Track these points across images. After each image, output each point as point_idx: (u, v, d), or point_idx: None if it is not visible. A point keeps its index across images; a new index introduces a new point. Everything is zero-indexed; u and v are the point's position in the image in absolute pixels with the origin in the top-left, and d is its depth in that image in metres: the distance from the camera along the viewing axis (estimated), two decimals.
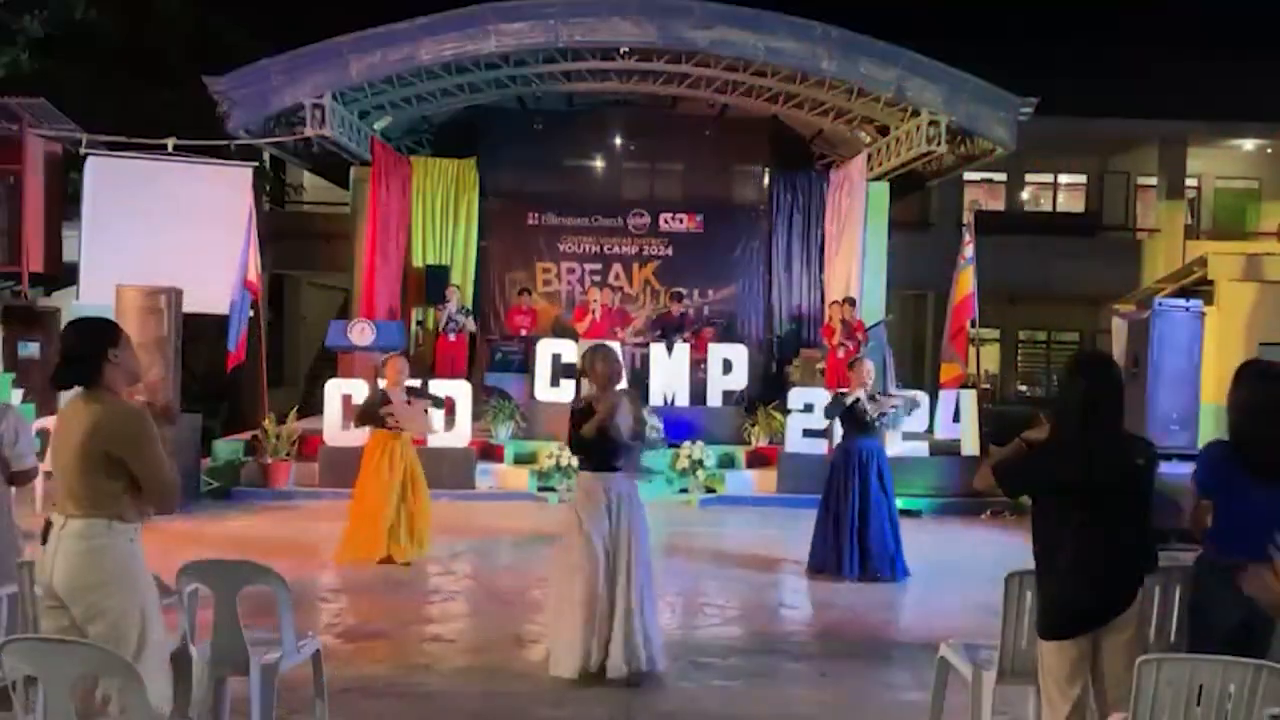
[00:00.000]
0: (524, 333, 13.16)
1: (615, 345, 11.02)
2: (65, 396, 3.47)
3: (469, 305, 13.66)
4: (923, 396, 9.37)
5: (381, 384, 8.04)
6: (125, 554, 3.34)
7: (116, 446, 3.30)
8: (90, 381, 3.34)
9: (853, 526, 7.47)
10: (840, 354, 11.95)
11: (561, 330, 13.33)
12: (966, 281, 11.90)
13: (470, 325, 13.17)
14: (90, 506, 3.28)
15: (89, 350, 3.37)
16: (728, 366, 11.77)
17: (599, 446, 5.23)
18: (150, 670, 3.23)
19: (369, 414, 7.69)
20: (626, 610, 5.10)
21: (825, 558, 7.57)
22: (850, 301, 12.57)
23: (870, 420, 7.61)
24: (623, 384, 5.51)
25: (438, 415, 9.03)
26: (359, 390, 10.38)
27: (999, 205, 21.77)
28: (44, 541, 3.29)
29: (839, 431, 8.27)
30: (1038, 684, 3.96)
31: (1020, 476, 3.59)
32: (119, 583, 3.31)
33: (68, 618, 3.28)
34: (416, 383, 8.23)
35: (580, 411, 5.28)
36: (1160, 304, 10.40)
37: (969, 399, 10.93)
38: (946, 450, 10.80)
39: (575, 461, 8.75)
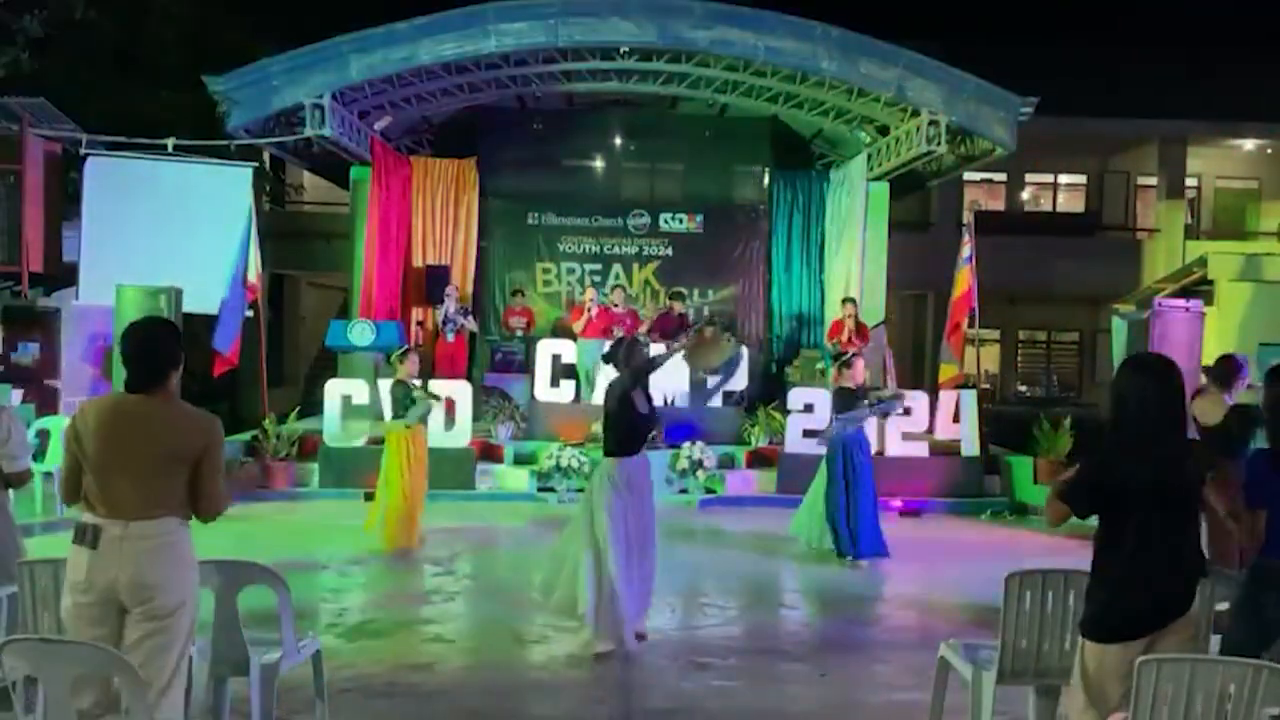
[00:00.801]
0: (520, 333, 13.18)
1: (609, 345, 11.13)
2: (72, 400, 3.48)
3: (468, 305, 13.66)
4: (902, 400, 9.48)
5: (384, 384, 8.21)
6: (190, 550, 3.40)
7: (201, 448, 3.35)
8: (161, 385, 3.37)
9: (856, 510, 7.89)
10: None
11: (561, 330, 13.35)
12: (964, 280, 11.92)
13: (470, 325, 13.16)
14: (163, 507, 3.30)
15: (169, 352, 3.41)
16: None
17: (619, 433, 5.70)
18: (181, 674, 3.28)
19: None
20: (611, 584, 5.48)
21: (848, 539, 7.92)
22: (851, 301, 12.58)
23: (870, 406, 8.10)
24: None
25: (438, 411, 9.35)
26: (359, 390, 10.43)
27: (999, 205, 21.77)
28: (93, 546, 3.25)
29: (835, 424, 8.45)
30: (1037, 684, 3.98)
31: (1088, 490, 3.40)
32: (190, 580, 3.37)
33: (106, 628, 3.25)
34: (417, 382, 8.38)
35: (621, 404, 5.71)
36: (1160, 304, 10.40)
37: (969, 399, 10.93)
38: (946, 450, 10.79)
39: (576, 461, 8.99)
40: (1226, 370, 6.44)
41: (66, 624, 3.32)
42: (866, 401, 8.12)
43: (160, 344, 3.43)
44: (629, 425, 5.71)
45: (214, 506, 3.40)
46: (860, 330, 12.16)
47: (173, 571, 3.28)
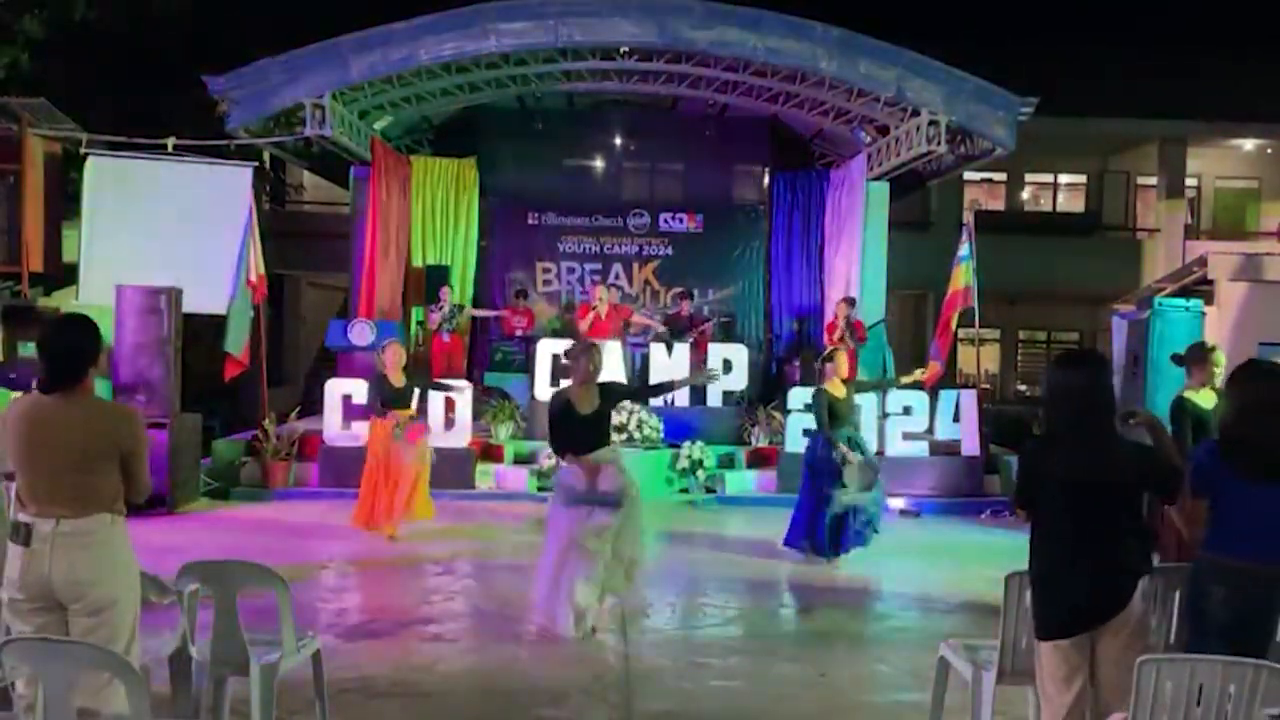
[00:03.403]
0: (520, 333, 13.16)
1: (616, 344, 11.13)
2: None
3: (466, 304, 13.66)
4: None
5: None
6: (126, 547, 3.43)
7: (126, 442, 3.38)
8: (78, 384, 3.37)
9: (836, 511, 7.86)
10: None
11: (565, 329, 13.33)
12: (958, 277, 11.92)
13: (462, 317, 13.13)
14: (92, 504, 3.31)
15: (90, 349, 3.41)
16: (728, 366, 11.75)
17: (569, 434, 5.94)
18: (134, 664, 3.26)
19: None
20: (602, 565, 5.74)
21: (807, 538, 7.95)
22: (850, 301, 12.59)
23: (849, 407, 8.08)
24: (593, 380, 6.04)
25: (436, 410, 9.55)
26: (359, 390, 10.42)
27: (999, 205, 21.78)
28: (26, 543, 3.28)
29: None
30: (1037, 684, 3.98)
31: (1022, 485, 3.55)
32: (125, 575, 3.39)
33: (48, 617, 3.28)
34: (398, 380, 8.46)
35: (560, 411, 5.91)
36: (1160, 304, 10.39)
37: (969, 399, 10.93)
38: (946, 450, 10.79)
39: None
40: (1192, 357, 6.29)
41: (7, 619, 3.36)
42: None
43: (77, 343, 3.42)
44: (569, 428, 5.95)
45: (142, 491, 3.50)
46: (855, 329, 12.13)
47: (105, 567, 3.31)
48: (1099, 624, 3.31)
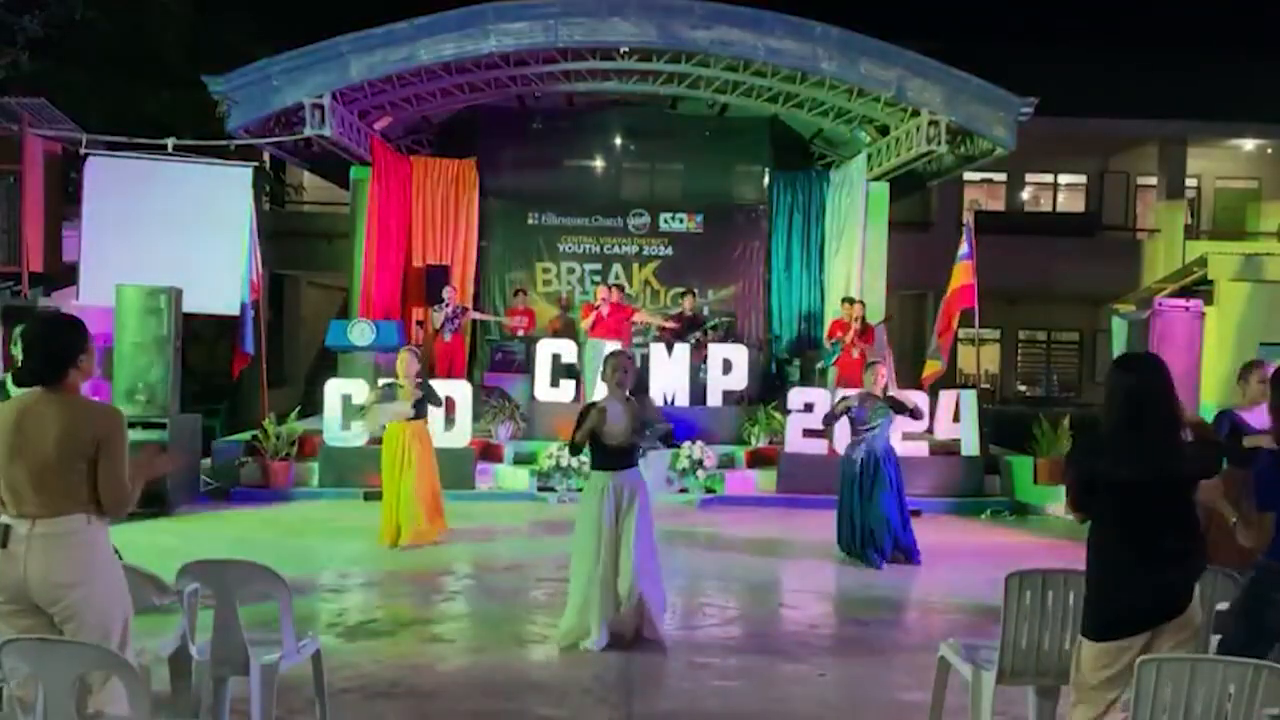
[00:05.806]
0: (520, 333, 13.15)
1: (618, 345, 11.11)
2: None
3: (466, 305, 13.66)
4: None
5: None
6: (105, 548, 3.37)
7: (97, 440, 3.30)
8: (57, 381, 3.34)
9: (873, 517, 7.87)
10: (855, 354, 11.91)
11: (567, 329, 13.33)
12: (957, 277, 11.92)
13: (473, 314, 13.16)
14: (68, 504, 3.27)
15: (67, 350, 3.37)
16: (728, 366, 11.77)
17: (599, 450, 5.74)
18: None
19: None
20: (627, 585, 5.63)
21: (855, 545, 7.95)
22: (851, 301, 12.57)
23: (865, 427, 7.99)
24: (625, 388, 5.88)
25: (436, 413, 9.20)
26: (359, 390, 10.43)
27: (999, 205, 21.77)
28: (3, 545, 3.24)
29: (846, 429, 8.45)
30: (1037, 684, 3.98)
31: (1082, 488, 3.45)
32: (102, 577, 3.32)
33: (31, 620, 3.25)
34: (405, 382, 8.37)
35: (583, 414, 5.78)
36: (1160, 304, 10.40)
37: (969, 399, 10.92)
38: (946, 450, 10.79)
39: (577, 462, 9.14)
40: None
41: None
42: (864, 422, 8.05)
43: (58, 338, 3.38)
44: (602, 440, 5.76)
45: (118, 499, 3.33)
46: (866, 331, 12.11)
47: (81, 569, 3.26)
48: (1160, 624, 3.26)
